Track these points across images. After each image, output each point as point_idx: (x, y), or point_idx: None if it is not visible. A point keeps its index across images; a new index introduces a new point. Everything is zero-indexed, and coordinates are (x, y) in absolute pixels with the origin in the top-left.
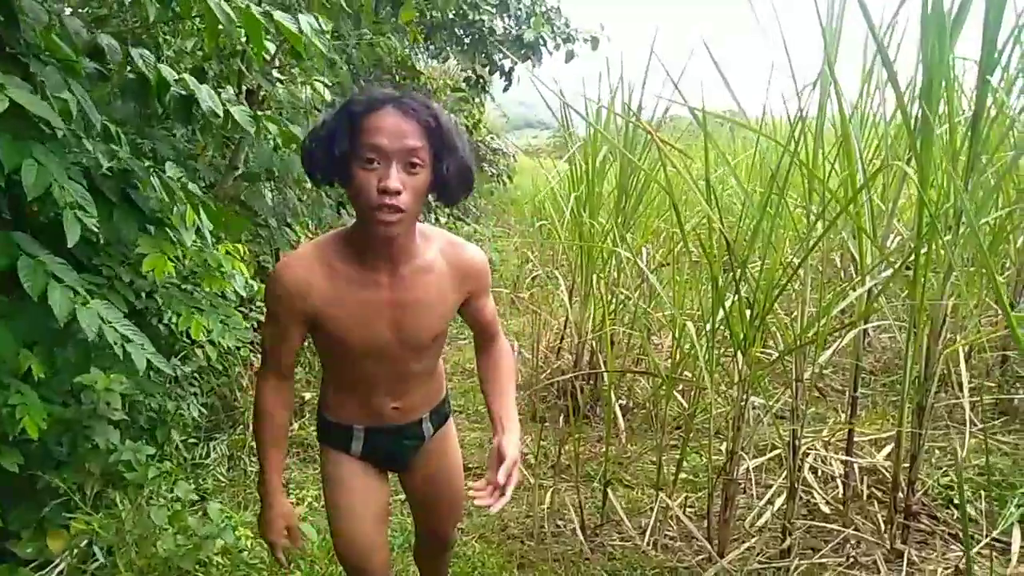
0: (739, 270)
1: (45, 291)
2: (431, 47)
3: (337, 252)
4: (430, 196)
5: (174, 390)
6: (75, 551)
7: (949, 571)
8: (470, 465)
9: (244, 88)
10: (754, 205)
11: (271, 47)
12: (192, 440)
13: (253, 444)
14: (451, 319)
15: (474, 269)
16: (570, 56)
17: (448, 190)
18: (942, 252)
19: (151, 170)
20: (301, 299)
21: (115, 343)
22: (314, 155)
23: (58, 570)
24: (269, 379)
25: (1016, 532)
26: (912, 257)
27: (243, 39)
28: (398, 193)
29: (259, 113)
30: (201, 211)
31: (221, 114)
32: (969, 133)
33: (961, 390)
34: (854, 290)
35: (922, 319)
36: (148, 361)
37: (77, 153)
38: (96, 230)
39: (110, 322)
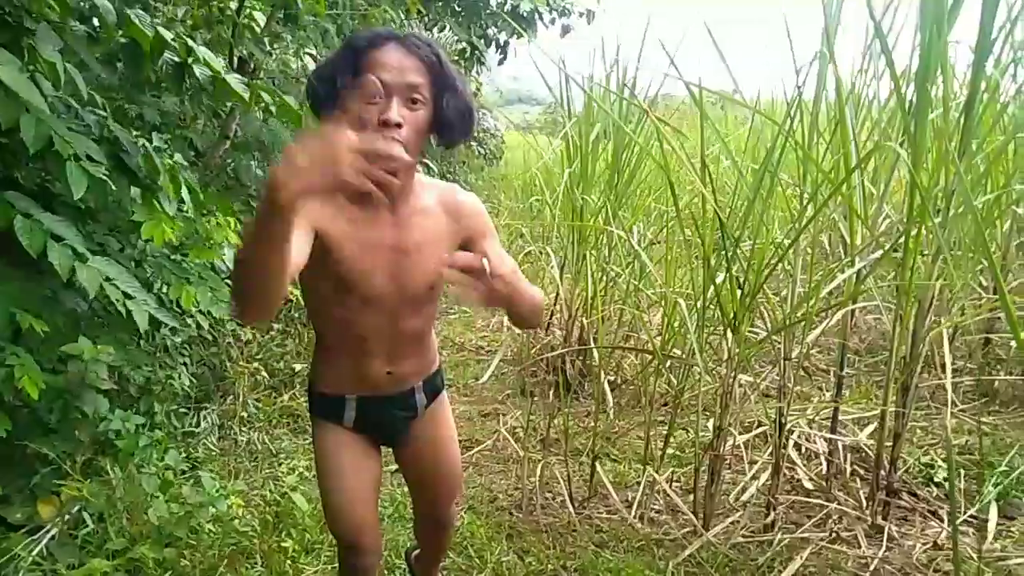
0: (731, 249)
1: (44, 249)
2: (425, 18)
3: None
4: (431, 139)
5: (164, 359)
6: (66, 517)
7: (928, 546)
8: (459, 438)
9: (236, 57)
10: (747, 184)
11: (261, 18)
12: (182, 410)
13: (244, 414)
14: None
15: (468, 208)
16: (566, 30)
17: (448, 129)
18: (931, 235)
19: (138, 140)
20: (313, 212)
21: (116, 300)
22: (318, 91)
23: (49, 535)
24: None
25: (993, 509)
26: (902, 239)
27: (232, 5)
28: (399, 126)
29: (253, 83)
30: (183, 183)
31: (216, 74)
32: (962, 117)
33: (944, 371)
34: (843, 271)
35: (909, 300)
36: (149, 318)
37: (66, 119)
38: (105, 177)
39: (112, 279)
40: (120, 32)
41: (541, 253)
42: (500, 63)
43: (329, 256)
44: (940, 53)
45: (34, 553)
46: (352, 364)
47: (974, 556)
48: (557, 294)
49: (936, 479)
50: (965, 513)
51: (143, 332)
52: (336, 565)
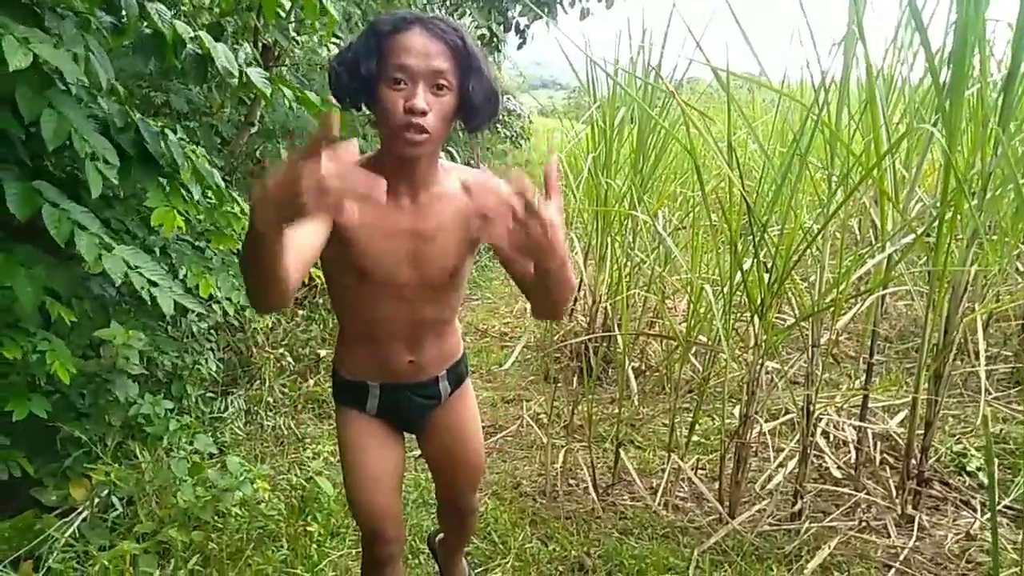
0: (759, 234)
1: (71, 238)
2: (447, 3)
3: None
4: (456, 122)
5: (191, 345)
6: (97, 500)
7: (960, 536)
8: (482, 423)
9: (260, 44)
10: (775, 168)
11: (286, 3)
12: (210, 395)
13: (270, 399)
14: (470, 252)
15: (492, 189)
16: (584, 14)
17: (474, 114)
18: (965, 219)
19: (162, 130)
20: None
21: (141, 288)
22: (341, 78)
23: (81, 517)
24: None
25: None
26: (935, 223)
27: None
28: (424, 113)
29: (274, 76)
30: (204, 176)
31: (237, 75)
32: (1000, 97)
33: (977, 358)
34: (873, 256)
35: (943, 286)
36: (174, 304)
37: (92, 108)
38: (115, 182)
39: (137, 267)
40: (144, 24)
41: (565, 238)
42: (520, 47)
43: (347, 247)
44: (977, 30)
45: (67, 534)
46: (373, 352)
47: (1008, 547)
48: (581, 280)
49: (969, 468)
50: (1000, 503)
51: (169, 318)
52: (361, 549)
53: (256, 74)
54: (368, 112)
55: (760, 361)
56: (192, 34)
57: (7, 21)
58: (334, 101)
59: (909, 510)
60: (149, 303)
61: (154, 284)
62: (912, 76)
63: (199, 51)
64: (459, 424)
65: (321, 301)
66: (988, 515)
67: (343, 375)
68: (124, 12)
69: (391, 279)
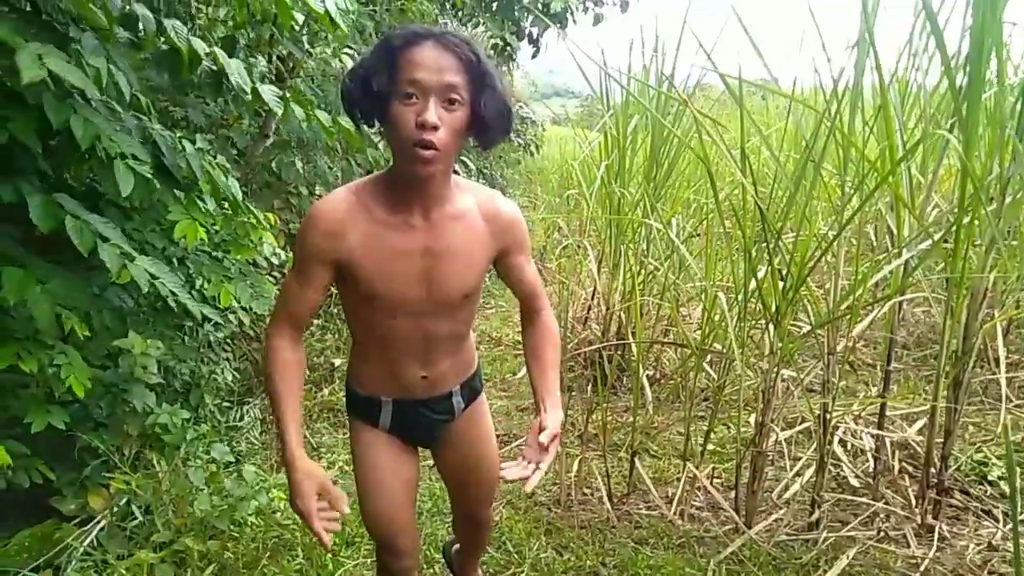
0: (773, 241)
1: (95, 248)
2: (460, 13)
3: (372, 194)
4: (469, 139)
5: (207, 355)
6: (115, 509)
7: (981, 547)
8: (497, 432)
9: (275, 56)
10: (788, 175)
11: (300, 17)
12: (226, 404)
13: None
14: (484, 274)
15: (508, 220)
16: (598, 20)
17: (486, 130)
18: (983, 224)
19: (180, 142)
20: (335, 240)
21: (167, 296)
22: (353, 92)
23: (99, 527)
24: (283, 331)
25: None
26: (953, 229)
27: (272, 6)
28: (435, 128)
29: (287, 95)
30: (221, 187)
31: (250, 92)
32: (1018, 102)
33: (998, 365)
34: (890, 262)
35: (961, 293)
36: (201, 315)
37: (111, 122)
38: (150, 176)
39: (158, 277)
40: (162, 39)
41: (578, 247)
42: (533, 56)
43: (356, 276)
44: (994, 32)
45: (85, 543)
46: (386, 367)
47: None
48: (595, 288)
49: (990, 477)
50: (1022, 513)
51: (187, 328)
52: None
53: (268, 91)
54: (381, 129)
55: (776, 369)
56: (207, 50)
57: (20, 41)
58: (346, 122)
59: (929, 520)
60: (176, 309)
61: (173, 295)
62: (927, 81)
63: (214, 66)
64: (473, 439)
65: (336, 311)
66: (1010, 525)
67: (356, 390)
68: (142, 28)
69: (403, 298)
